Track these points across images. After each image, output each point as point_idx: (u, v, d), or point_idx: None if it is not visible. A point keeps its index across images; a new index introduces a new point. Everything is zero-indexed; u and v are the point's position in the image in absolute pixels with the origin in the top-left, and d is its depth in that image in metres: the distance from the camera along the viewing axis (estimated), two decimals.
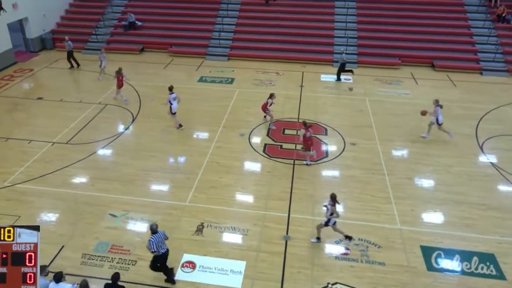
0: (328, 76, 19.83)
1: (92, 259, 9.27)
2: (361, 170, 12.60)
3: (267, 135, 14.59)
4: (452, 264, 9.30)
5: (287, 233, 10.08)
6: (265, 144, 13.96)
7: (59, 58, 21.57)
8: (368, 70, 20.88)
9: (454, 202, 11.25)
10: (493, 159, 13.31)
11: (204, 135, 14.66)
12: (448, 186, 11.95)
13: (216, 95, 17.71)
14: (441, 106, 13.78)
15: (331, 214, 9.32)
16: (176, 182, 11.98)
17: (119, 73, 16.52)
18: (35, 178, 12.08)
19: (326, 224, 9.49)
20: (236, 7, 25.13)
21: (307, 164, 12.81)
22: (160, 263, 8.47)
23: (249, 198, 11.43)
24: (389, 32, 22.95)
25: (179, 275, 8.88)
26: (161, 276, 8.74)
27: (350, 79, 19.64)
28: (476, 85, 19.33)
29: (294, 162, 12.99)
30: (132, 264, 9.10)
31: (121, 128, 15.07)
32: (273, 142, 14.11)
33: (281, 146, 13.85)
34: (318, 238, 9.79)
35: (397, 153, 13.64)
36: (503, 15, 22.65)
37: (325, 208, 9.52)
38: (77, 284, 7.42)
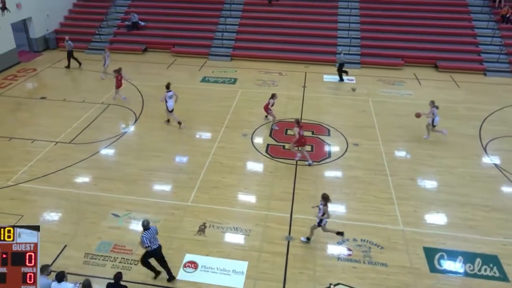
0: (331, 77, 19.79)
1: (95, 259, 9.28)
2: (363, 170, 12.57)
3: (270, 135, 14.58)
4: (455, 265, 9.26)
5: (289, 234, 10.07)
6: (268, 145, 13.95)
7: (62, 58, 21.62)
8: (371, 71, 20.84)
9: (457, 203, 11.21)
10: (496, 160, 13.26)
11: (206, 135, 14.67)
12: (451, 187, 11.91)
13: (218, 95, 17.72)
14: (437, 107, 13.79)
15: (323, 214, 9.29)
16: (178, 182, 11.99)
17: (118, 73, 16.56)
18: (38, 178, 12.12)
19: (319, 224, 9.47)
20: (239, 7, 25.15)
21: (309, 164, 12.80)
22: (156, 258, 8.51)
23: (251, 199, 11.43)
24: (392, 33, 22.91)
25: (181, 275, 8.89)
26: (163, 276, 8.76)
27: (353, 80, 19.60)
28: (479, 86, 19.26)
29: (296, 162, 12.98)
30: (135, 264, 9.11)
31: (123, 128, 15.09)
32: (276, 143, 14.10)
33: (283, 146, 13.84)
34: (308, 239, 9.77)
35: (400, 153, 13.60)
36: (507, 15, 22.57)
37: (317, 209, 9.46)
38: (80, 283, 7.43)
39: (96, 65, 20.75)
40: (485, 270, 9.13)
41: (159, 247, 8.46)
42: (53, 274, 7.54)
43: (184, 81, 19.34)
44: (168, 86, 14.62)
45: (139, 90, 18.10)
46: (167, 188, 11.83)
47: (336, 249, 9.66)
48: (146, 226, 8.22)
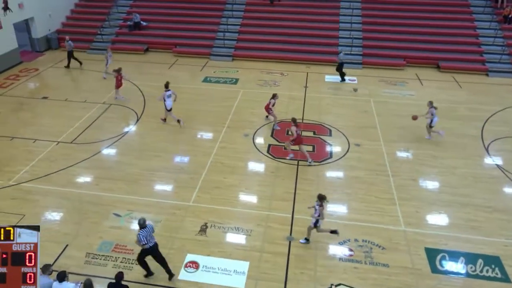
0: (333, 77, 19.76)
1: (96, 258, 9.29)
2: (365, 171, 12.55)
3: (271, 135, 14.57)
4: (456, 266, 9.24)
5: (290, 234, 10.06)
6: (269, 145, 13.95)
7: (64, 58, 21.59)
8: (373, 71, 20.82)
9: (459, 204, 11.18)
10: (498, 161, 13.22)
11: (208, 135, 14.67)
12: (453, 188, 11.88)
13: (220, 96, 17.72)
14: (435, 108, 13.81)
15: (319, 215, 9.27)
16: (180, 182, 11.99)
17: (118, 73, 16.60)
18: (40, 177, 12.14)
19: (315, 225, 9.46)
20: (241, 7, 25.15)
21: (309, 163, 12.80)
22: (153, 256, 8.54)
23: (253, 199, 11.42)
24: (394, 33, 22.87)
25: (183, 275, 8.88)
26: (165, 275, 8.76)
27: (354, 80, 19.58)
28: (482, 86, 19.21)
29: (298, 163, 12.97)
30: (136, 264, 9.08)
31: (125, 127, 15.11)
32: (277, 143, 14.09)
33: (285, 147, 13.81)
34: (307, 239, 9.75)
35: (401, 154, 13.58)
36: (510, 16, 22.51)
37: (312, 209, 9.44)
38: (81, 283, 7.44)
39: (98, 65, 20.78)
40: (487, 271, 9.10)
41: (155, 244, 8.50)
42: (54, 274, 7.54)
43: (185, 81, 19.36)
44: (166, 85, 14.71)
45: (141, 90, 18.12)
46: (168, 188, 11.84)
47: (337, 250, 9.64)
48: (142, 225, 8.27)
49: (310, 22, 23.83)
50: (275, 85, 19.04)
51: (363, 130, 14.92)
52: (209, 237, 9.95)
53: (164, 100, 14.61)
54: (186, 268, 9.06)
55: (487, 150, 13.83)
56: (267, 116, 15.47)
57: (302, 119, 15.74)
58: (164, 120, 15.23)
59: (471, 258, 9.41)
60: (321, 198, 9.19)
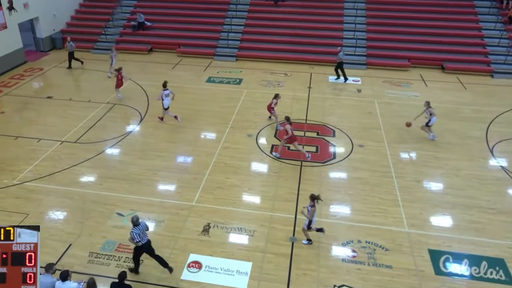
0: (336, 78, 19.70)
1: (99, 258, 9.31)
2: (369, 172, 12.52)
3: (275, 136, 14.56)
4: (460, 268, 9.19)
5: (293, 235, 10.04)
6: (273, 145, 13.93)
7: None
8: (377, 72, 20.76)
9: (463, 206, 11.12)
10: (503, 162, 13.14)
11: (211, 135, 14.68)
12: (457, 189, 11.82)
13: (224, 96, 17.72)
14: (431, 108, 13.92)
15: (312, 215, 9.26)
16: (183, 182, 12.00)
17: (119, 72, 16.66)
18: (43, 177, 12.18)
19: (309, 227, 9.44)
20: (244, 7, 25.16)
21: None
22: (147, 252, 8.61)
23: (256, 199, 11.41)
24: (399, 34, 22.80)
25: (185, 275, 8.89)
26: (166, 275, 8.76)
27: (358, 81, 19.54)
28: (486, 87, 19.12)
29: (301, 163, 12.95)
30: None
31: (129, 127, 15.14)
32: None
33: (288, 147, 13.79)
34: (309, 240, 9.73)
35: (405, 155, 13.53)
36: None
37: (305, 210, 9.42)
38: (84, 282, 7.45)
39: (102, 65, 20.85)
40: (491, 273, 9.05)
41: (148, 241, 8.58)
42: (58, 273, 7.56)
43: (189, 81, 19.38)
44: (164, 85, 14.81)
45: (145, 90, 18.15)
46: (171, 188, 11.85)
47: (340, 251, 9.61)
48: (135, 222, 8.35)
49: (314, 22, 23.80)
50: (279, 85, 19.03)
51: (366, 131, 14.88)
52: (212, 237, 9.95)
53: (162, 99, 14.69)
54: (189, 268, 9.06)
55: (491, 151, 13.75)
56: (270, 117, 15.48)
57: (306, 119, 15.72)
58: (161, 119, 15.28)
59: (475, 260, 9.36)
60: (313, 198, 9.19)
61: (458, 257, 9.44)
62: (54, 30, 24.08)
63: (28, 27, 22.82)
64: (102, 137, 14.37)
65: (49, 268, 7.41)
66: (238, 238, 9.96)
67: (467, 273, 9.06)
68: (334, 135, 14.66)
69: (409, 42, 22.28)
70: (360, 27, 23.25)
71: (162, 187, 11.89)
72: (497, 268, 9.15)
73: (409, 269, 9.13)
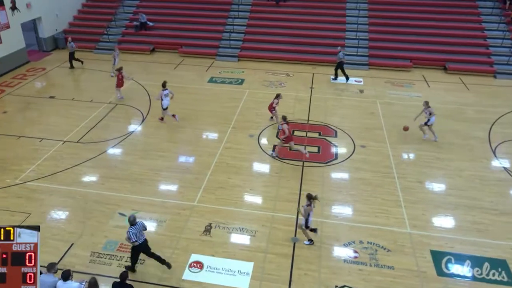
0: (338, 78, 19.67)
1: (101, 258, 9.32)
2: (371, 172, 12.49)
3: (277, 136, 14.54)
4: (462, 269, 9.16)
5: (295, 235, 10.02)
6: (274, 145, 13.91)
7: None
8: (379, 72, 20.73)
9: (465, 207, 11.09)
10: (506, 163, 13.10)
11: (213, 135, 14.68)
12: (459, 190, 11.79)
13: (226, 96, 17.73)
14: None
15: (308, 214, 9.26)
16: (185, 182, 12.00)
17: (119, 72, 16.69)
18: (46, 176, 12.20)
19: (307, 226, 9.44)
20: (246, 8, 25.17)
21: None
22: (143, 252, 8.63)
23: (257, 199, 11.41)
24: (401, 34, 22.76)
25: (187, 275, 8.88)
26: (168, 275, 8.76)
27: (360, 81, 19.52)
28: (489, 88, 19.06)
29: (303, 163, 12.93)
30: (140, 263, 9.12)
31: (131, 127, 15.16)
32: (283, 144, 14.04)
33: (290, 148, 13.77)
34: (311, 240, 9.73)
35: (407, 156, 13.50)
36: None
37: (302, 209, 9.43)
38: (86, 282, 7.45)
39: (104, 65, 20.89)
40: (493, 274, 9.02)
41: (145, 241, 8.58)
42: (59, 273, 7.57)
43: (191, 81, 19.40)
44: (164, 85, 14.87)
45: (147, 90, 18.17)
46: (173, 188, 11.85)
47: (342, 251, 9.60)
48: (132, 222, 8.34)
49: (316, 22, 23.78)
50: (281, 85, 19.02)
51: (368, 132, 14.85)
52: (214, 238, 9.94)
53: (161, 99, 14.71)
54: (190, 268, 9.06)
55: (494, 152, 13.71)
56: (272, 117, 15.47)
57: (308, 120, 15.71)
58: (162, 119, 15.29)
59: (477, 261, 9.33)
60: (309, 198, 9.21)
61: (460, 258, 9.41)
62: (56, 30, 24.14)
63: (30, 27, 22.88)
64: (104, 137, 14.39)
65: (51, 267, 7.44)
66: (240, 238, 9.95)
67: (469, 274, 9.03)
68: (336, 136, 14.65)
69: (412, 42, 22.25)
70: (362, 27, 23.23)
71: (164, 187, 11.89)
72: (500, 269, 9.12)
73: (411, 270, 9.10)
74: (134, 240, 8.29)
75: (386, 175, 12.38)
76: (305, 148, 13.49)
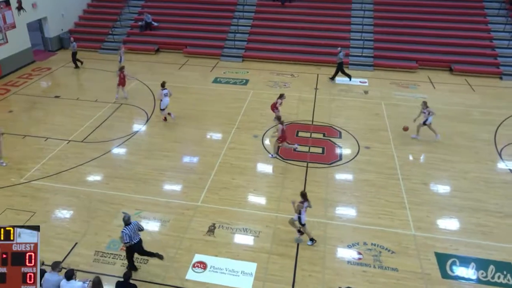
0: (343, 79, 19.63)
1: (105, 257, 9.34)
2: (375, 174, 12.44)
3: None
4: (467, 272, 9.09)
5: (299, 236, 10.00)
6: (278, 146, 13.88)
7: None
8: (385, 73, 20.65)
9: (470, 209, 11.01)
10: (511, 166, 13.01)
11: (217, 136, 14.69)
12: (464, 192, 11.71)
13: (230, 96, 17.73)
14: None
15: (300, 212, 9.27)
16: (189, 182, 12.01)
17: (121, 71, 16.74)
18: (50, 175, 12.26)
19: (301, 223, 9.43)
20: (251, 8, 25.16)
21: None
22: (137, 252, 8.62)
23: (261, 200, 11.39)
24: (406, 35, 22.63)
25: (190, 275, 8.89)
26: (170, 275, 8.77)
27: (365, 82, 19.46)
28: (495, 89, 18.93)
29: (307, 164, 12.91)
30: (144, 263, 9.14)
31: (135, 127, 15.20)
32: (286, 144, 14.01)
33: (294, 148, 13.75)
34: (312, 239, 9.71)
35: (412, 157, 13.44)
36: None
37: (295, 205, 9.41)
38: (90, 281, 7.48)
39: (109, 65, 20.96)
40: (499, 277, 8.95)
41: (140, 241, 8.55)
42: (64, 271, 7.59)
43: (196, 81, 19.42)
44: (163, 84, 14.95)
45: (151, 90, 18.21)
46: (177, 188, 11.87)
47: (346, 253, 9.56)
48: (126, 222, 8.29)
49: (321, 23, 23.72)
50: (285, 86, 18.99)
51: (373, 133, 14.80)
52: (217, 238, 9.94)
53: (161, 99, 14.76)
54: (193, 268, 9.06)
55: (500, 154, 13.61)
56: (275, 118, 15.43)
57: (312, 121, 15.68)
58: (165, 119, 15.30)
59: (482, 264, 9.26)
60: (303, 196, 9.29)
61: (465, 261, 9.35)
62: (62, 30, 24.26)
63: (36, 27, 23.01)
64: (109, 136, 14.44)
65: (56, 266, 7.46)
66: (243, 239, 9.95)
67: (474, 277, 8.97)
68: (340, 137, 14.61)
69: (417, 43, 22.14)
70: (368, 28, 23.15)
71: (168, 187, 11.91)
72: (505, 272, 9.05)
73: (415, 272, 9.05)
74: (126, 241, 8.25)
75: (391, 177, 12.32)
76: (309, 149, 13.46)
